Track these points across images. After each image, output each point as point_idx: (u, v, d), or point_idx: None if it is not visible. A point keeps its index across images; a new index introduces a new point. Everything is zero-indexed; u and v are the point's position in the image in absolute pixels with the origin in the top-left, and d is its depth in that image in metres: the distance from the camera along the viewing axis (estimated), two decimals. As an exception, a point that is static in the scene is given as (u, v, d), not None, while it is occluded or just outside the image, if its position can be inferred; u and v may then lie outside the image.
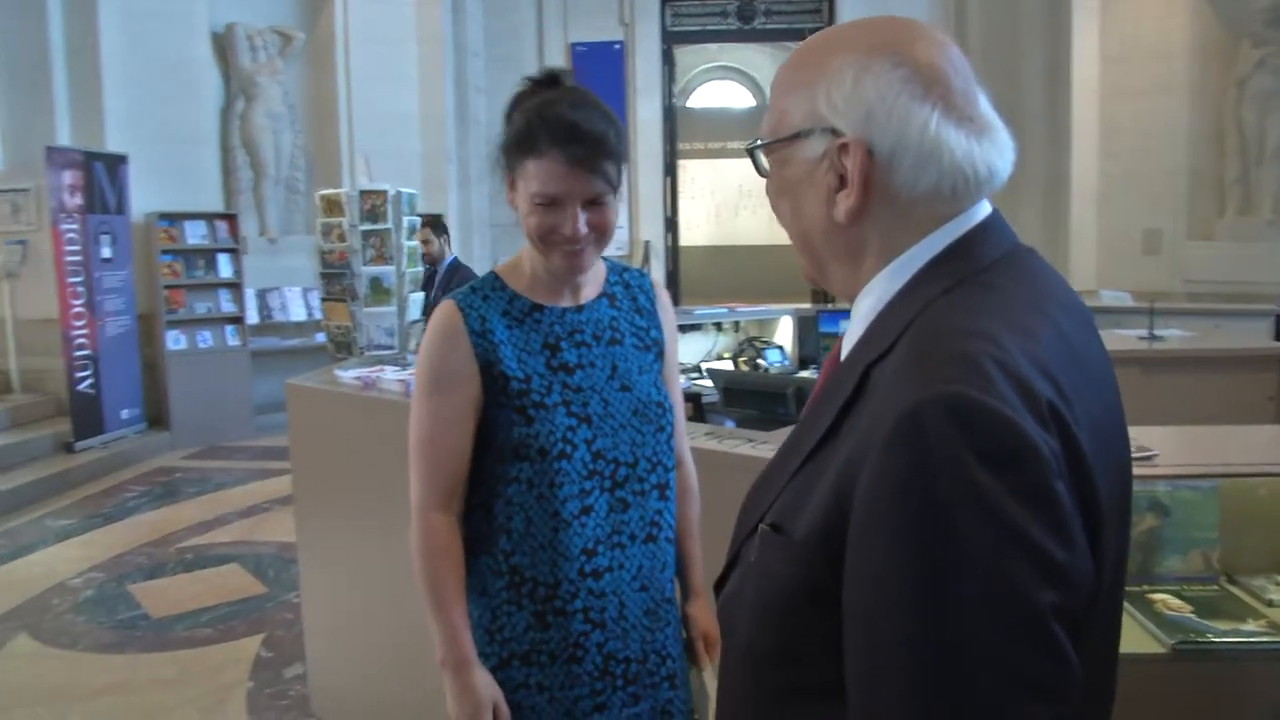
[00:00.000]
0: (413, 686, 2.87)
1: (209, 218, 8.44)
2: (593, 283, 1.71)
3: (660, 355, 1.73)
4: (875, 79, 0.88)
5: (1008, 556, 0.70)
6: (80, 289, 7.42)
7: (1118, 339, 5.24)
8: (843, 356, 0.95)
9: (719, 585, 1.03)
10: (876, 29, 0.93)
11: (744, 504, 1.02)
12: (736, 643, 0.95)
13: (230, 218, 8.56)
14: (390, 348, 4.13)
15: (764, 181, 1.01)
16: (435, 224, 5.82)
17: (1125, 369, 4.55)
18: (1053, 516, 0.73)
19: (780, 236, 1.07)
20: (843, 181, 0.89)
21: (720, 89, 20.10)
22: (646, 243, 11.05)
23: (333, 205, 4.20)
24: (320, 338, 8.87)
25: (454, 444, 1.61)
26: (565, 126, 1.51)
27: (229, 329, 8.42)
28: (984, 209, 0.92)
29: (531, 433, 1.58)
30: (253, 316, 8.67)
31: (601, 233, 1.58)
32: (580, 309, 1.68)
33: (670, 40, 11.20)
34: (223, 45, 8.93)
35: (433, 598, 1.61)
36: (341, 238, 4.04)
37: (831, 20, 10.88)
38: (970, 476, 0.71)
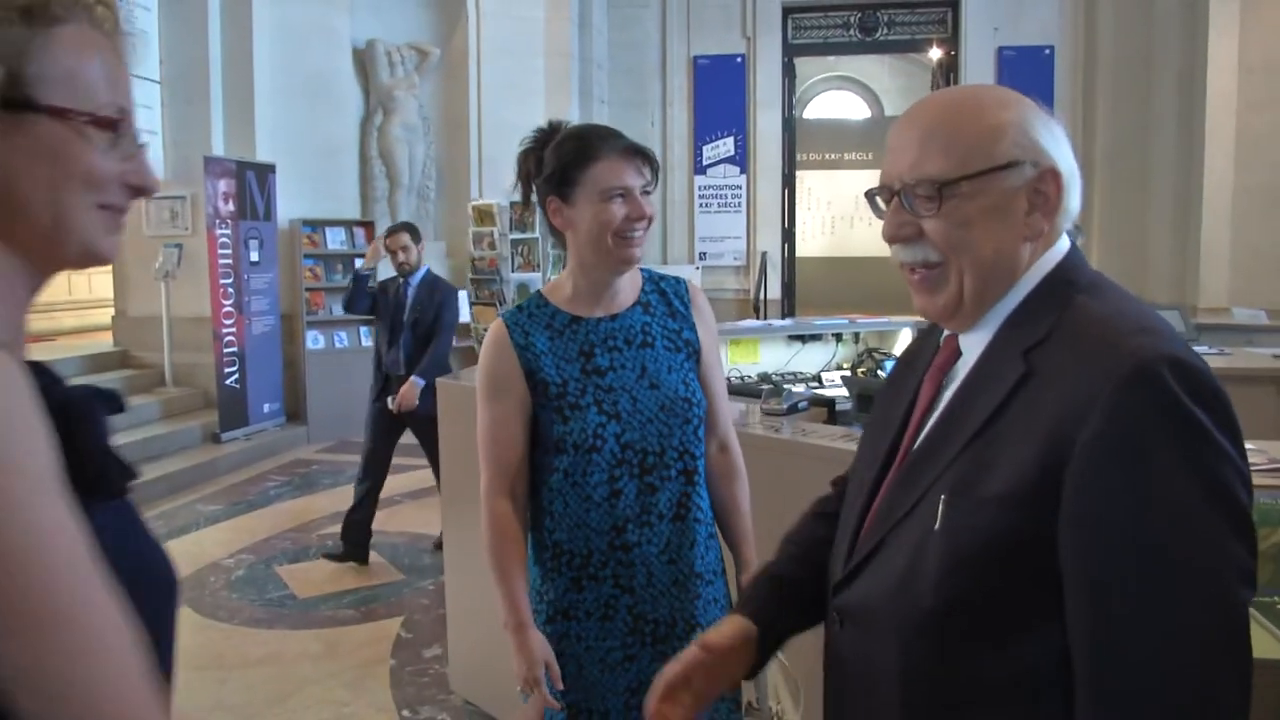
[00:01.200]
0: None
1: (348, 224, 8.89)
2: (628, 290, 1.93)
3: (692, 355, 1.93)
4: (1047, 123, 1.10)
5: (1224, 467, 0.93)
6: (230, 290, 7.92)
7: (1249, 357, 5.10)
8: (972, 356, 1.11)
9: (853, 576, 1.15)
10: (1009, 90, 1.14)
11: (880, 501, 1.15)
12: (916, 612, 1.05)
13: (367, 224, 9.00)
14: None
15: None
16: (413, 231, 5.37)
17: (1259, 387, 4.46)
18: (1240, 441, 0.95)
19: (882, 248, 1.20)
20: (1031, 205, 1.07)
21: (836, 99, 19.94)
22: (764, 254, 11.12)
23: (484, 215, 4.43)
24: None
25: (509, 439, 1.87)
26: (609, 132, 1.86)
27: (363, 330, 8.82)
28: (1066, 237, 1.12)
29: (567, 430, 1.83)
30: (385, 319, 9.05)
31: (650, 220, 1.85)
32: (614, 317, 1.90)
33: (791, 52, 11.28)
34: (363, 61, 9.38)
35: (497, 571, 1.88)
36: (492, 245, 4.27)
37: (955, 31, 10.80)
38: (1195, 417, 0.92)
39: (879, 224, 1.15)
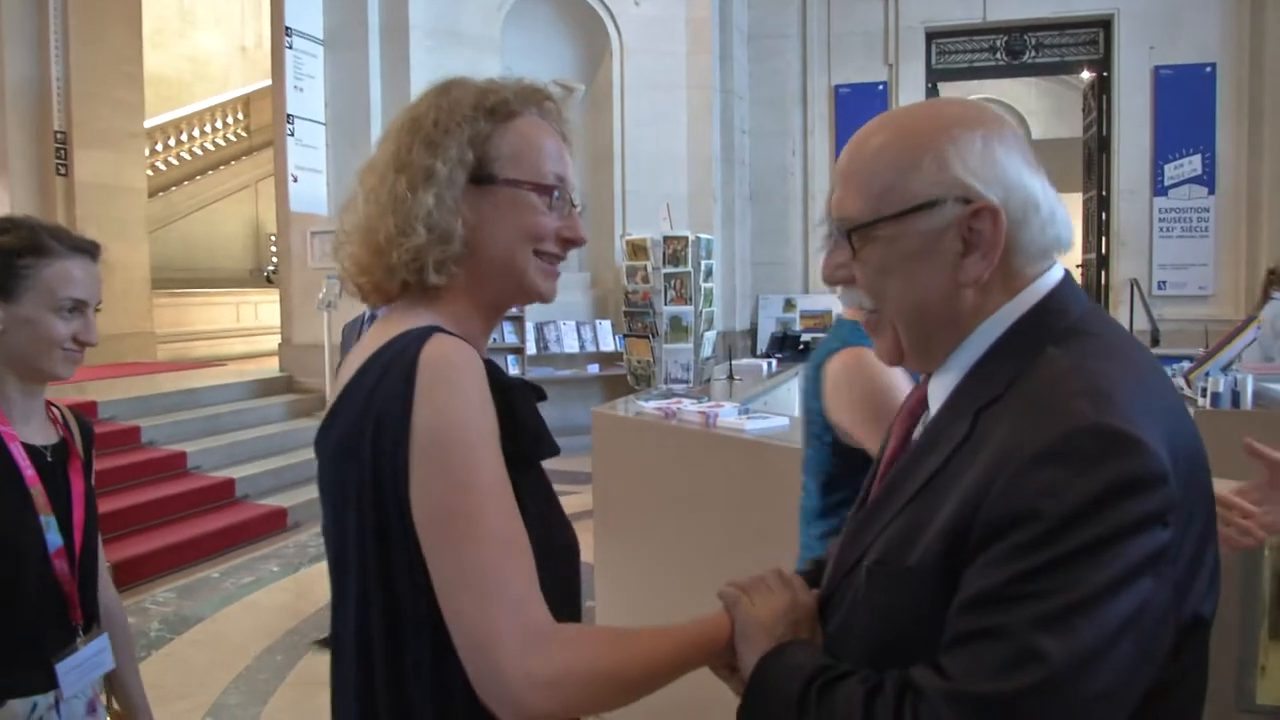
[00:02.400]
0: (697, 692, 3.08)
1: (496, 256, 9.21)
2: None
3: None
4: (1001, 146, 0.94)
5: (1142, 573, 0.79)
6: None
7: None
8: (935, 404, 1.01)
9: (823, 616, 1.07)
10: (967, 107, 0.99)
11: (841, 543, 1.07)
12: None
13: (515, 256, 9.29)
14: (686, 381, 4.42)
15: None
16: None
17: None
18: (1173, 534, 0.81)
19: None
20: (967, 246, 0.93)
21: (982, 123, 19.51)
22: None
23: (637, 249, 4.55)
24: (593, 369, 9.46)
25: None
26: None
27: (510, 358, 9.11)
28: (1060, 269, 0.98)
29: None
30: (531, 348, 9.34)
31: None
32: None
33: (935, 78, 11.12)
34: (512, 98, 9.73)
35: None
36: (645, 279, 4.38)
37: (1108, 51, 10.46)
38: (1111, 498, 0.79)
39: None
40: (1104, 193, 10.54)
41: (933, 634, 0.86)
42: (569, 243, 1.20)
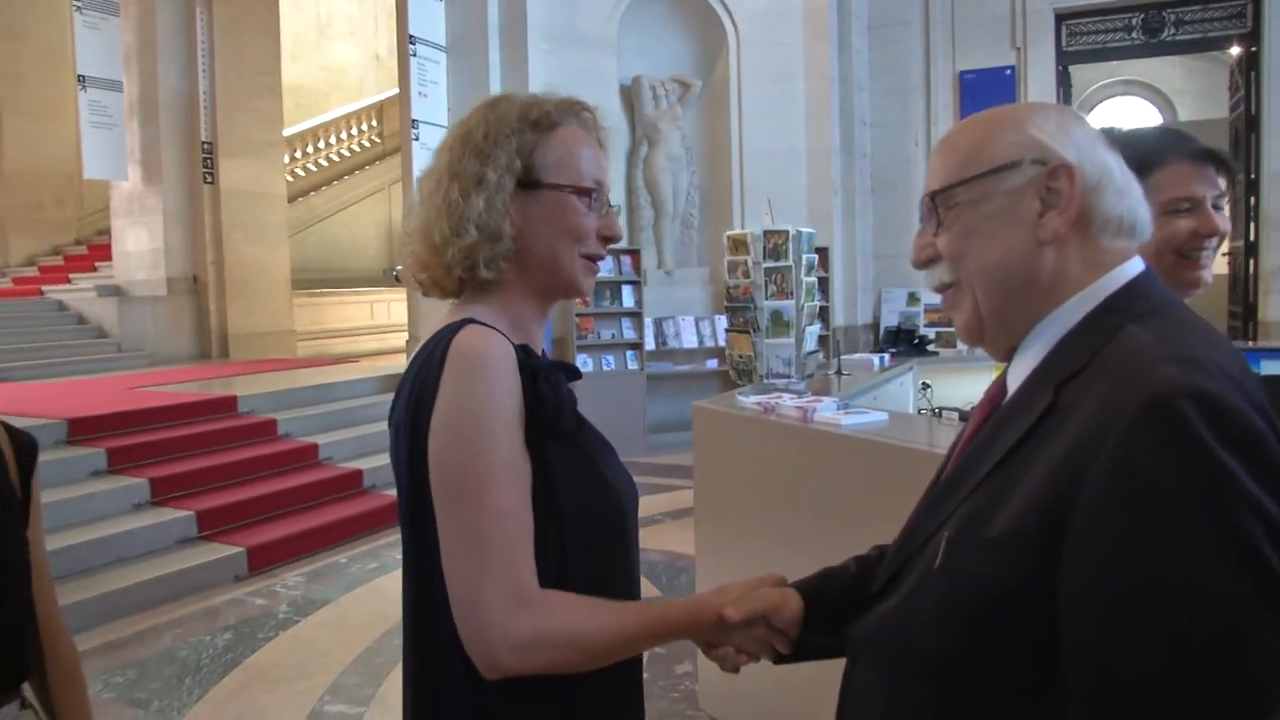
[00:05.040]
0: (798, 693, 3.07)
1: (616, 253, 9.31)
2: None
3: None
4: (1077, 122, 1.03)
5: (1247, 519, 0.78)
6: (509, 316, 8.49)
7: None
8: (1014, 385, 1.03)
9: (869, 604, 1.08)
10: (1047, 103, 1.08)
11: (910, 523, 1.09)
12: (906, 655, 0.98)
13: (634, 253, 9.39)
14: (787, 376, 4.40)
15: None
16: None
17: None
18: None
19: None
20: (1045, 205, 0.99)
21: (1123, 105, 18.66)
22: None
23: (738, 244, 4.56)
24: (711, 364, 9.48)
25: None
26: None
27: (629, 354, 9.21)
28: (1139, 262, 1.01)
29: None
30: (650, 343, 9.42)
31: None
32: None
33: (1066, 60, 10.69)
34: (629, 96, 9.83)
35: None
36: (746, 274, 4.39)
37: (1257, 25, 9.85)
38: (1215, 457, 0.79)
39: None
40: (1253, 176, 9.93)
41: (1009, 604, 0.88)
42: (607, 240, 1.33)
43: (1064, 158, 0.98)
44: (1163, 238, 1.49)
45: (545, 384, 1.20)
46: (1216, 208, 1.54)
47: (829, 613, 1.23)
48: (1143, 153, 1.46)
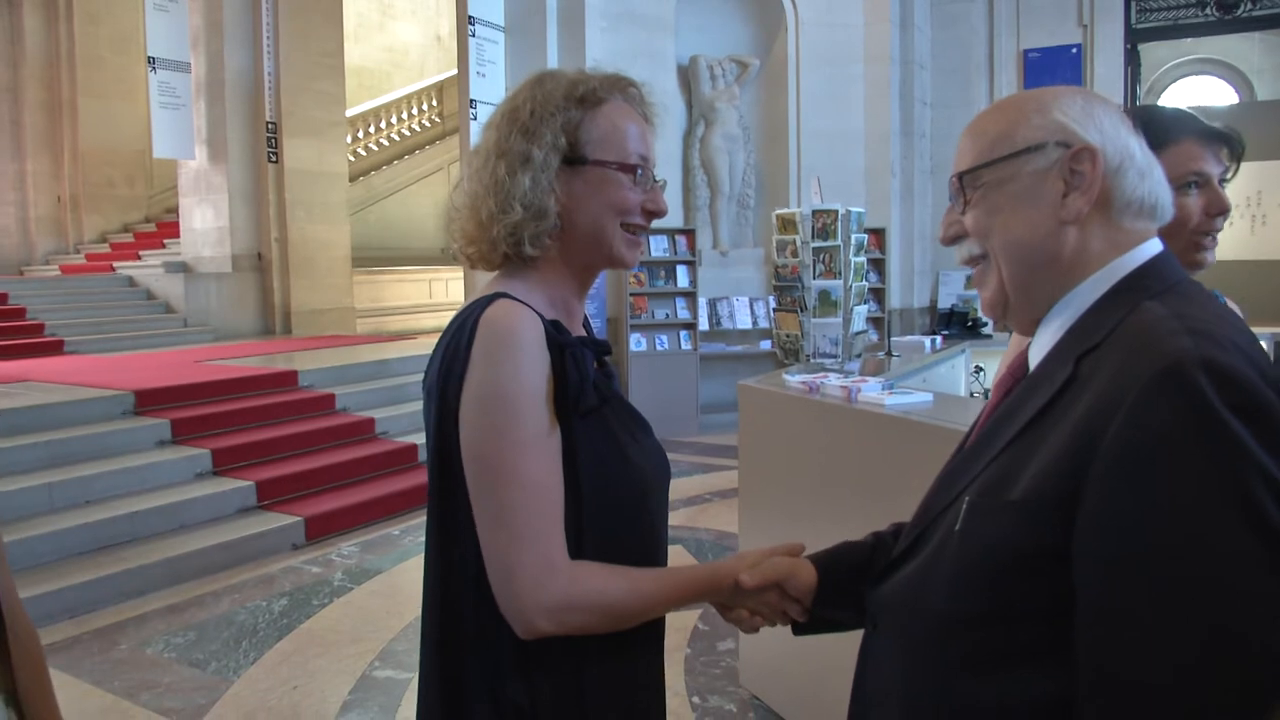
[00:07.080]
0: (836, 673, 3.08)
1: (671, 233, 9.32)
2: None
3: None
4: (1102, 106, 1.06)
5: (1257, 486, 0.82)
6: (563, 295, 8.54)
7: None
8: (1036, 358, 1.07)
9: (890, 570, 1.12)
10: (1074, 87, 1.10)
11: (933, 489, 1.13)
12: (924, 615, 1.02)
13: (689, 233, 9.39)
14: (834, 356, 4.38)
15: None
16: None
17: None
18: None
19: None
20: (1068, 187, 1.03)
21: (1198, 85, 18.11)
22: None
23: (787, 224, 4.54)
24: (765, 345, 9.46)
25: None
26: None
27: (683, 334, 9.22)
28: (1158, 243, 1.05)
29: None
30: (703, 323, 9.42)
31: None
32: None
33: (1135, 38, 10.41)
34: (686, 76, 9.80)
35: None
36: (794, 253, 4.37)
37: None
38: (1225, 424, 0.82)
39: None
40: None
41: (1026, 566, 0.91)
42: (652, 214, 1.34)
43: (1087, 141, 1.02)
44: (1175, 218, 1.54)
45: (571, 360, 1.23)
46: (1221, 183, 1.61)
47: (842, 584, 1.30)
48: (1156, 130, 1.51)
